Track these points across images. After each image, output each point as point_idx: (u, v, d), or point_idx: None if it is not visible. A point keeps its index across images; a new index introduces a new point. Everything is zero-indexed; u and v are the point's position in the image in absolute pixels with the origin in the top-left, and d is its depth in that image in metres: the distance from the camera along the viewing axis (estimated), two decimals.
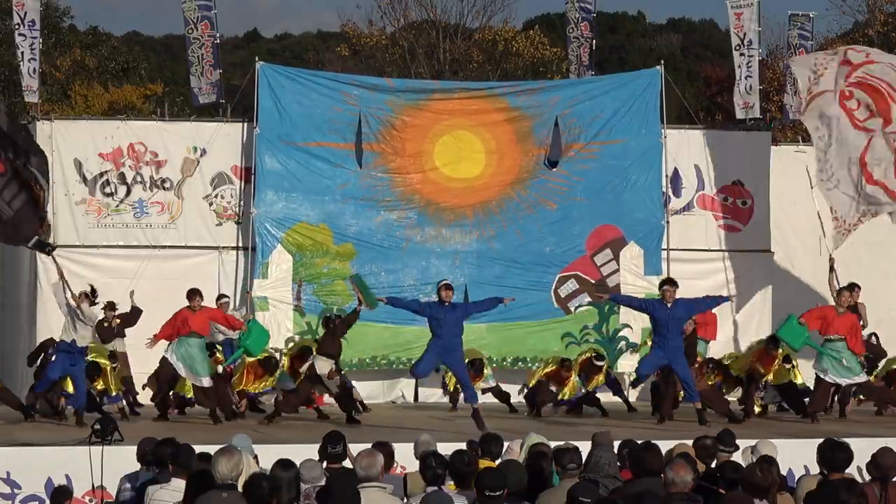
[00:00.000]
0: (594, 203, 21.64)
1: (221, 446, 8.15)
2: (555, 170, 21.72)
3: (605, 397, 19.49)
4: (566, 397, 18.86)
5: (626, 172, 21.71)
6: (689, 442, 10.37)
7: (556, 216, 21.59)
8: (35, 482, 13.24)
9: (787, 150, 22.77)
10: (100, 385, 17.73)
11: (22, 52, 20.66)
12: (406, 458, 11.34)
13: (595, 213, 21.64)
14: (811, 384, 18.26)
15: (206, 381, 17.40)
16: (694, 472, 8.22)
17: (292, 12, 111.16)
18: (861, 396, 19.34)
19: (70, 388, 17.00)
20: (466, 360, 17.71)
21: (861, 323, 18.49)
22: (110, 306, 18.87)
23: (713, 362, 18.68)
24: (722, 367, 18.57)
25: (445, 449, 9.42)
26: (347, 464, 9.73)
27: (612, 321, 21.37)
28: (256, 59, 21.60)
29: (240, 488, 7.72)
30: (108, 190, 20.84)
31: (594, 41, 23.60)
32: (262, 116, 21.00)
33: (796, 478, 10.44)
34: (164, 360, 17.52)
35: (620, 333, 21.33)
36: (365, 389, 20.02)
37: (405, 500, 9.08)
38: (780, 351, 18.17)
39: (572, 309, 21.44)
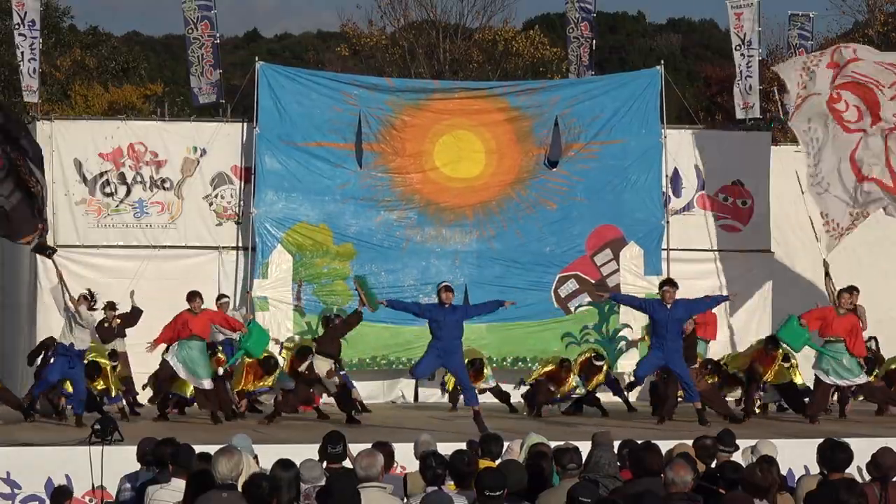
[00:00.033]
0: (594, 203, 21.64)
1: (221, 446, 8.16)
2: (555, 170, 21.72)
3: (606, 397, 19.49)
4: (562, 395, 18.87)
5: (626, 172, 21.71)
6: (689, 442, 10.37)
7: (556, 216, 21.59)
8: (35, 482, 13.25)
9: (786, 150, 22.74)
10: (100, 385, 17.73)
11: (22, 52, 20.66)
12: (406, 458, 11.34)
13: (595, 213, 21.64)
14: (811, 384, 18.26)
15: (208, 384, 17.42)
16: (694, 472, 8.22)
17: (292, 12, 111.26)
18: (861, 397, 19.32)
19: (71, 388, 17.01)
20: (466, 360, 17.72)
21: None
22: (110, 306, 18.89)
23: (711, 363, 18.67)
24: (720, 370, 18.54)
25: (445, 449, 9.42)
26: (347, 464, 9.73)
27: (612, 321, 21.37)
28: (256, 59, 21.60)
29: (240, 488, 7.72)
30: (108, 190, 20.84)
31: (594, 41, 23.62)
32: (262, 116, 21.00)
33: (796, 478, 10.44)
34: (164, 363, 17.54)
35: (620, 333, 21.33)
36: (365, 389, 20.01)
37: (405, 500, 9.08)
38: (780, 351, 18.17)
39: (572, 309, 21.44)
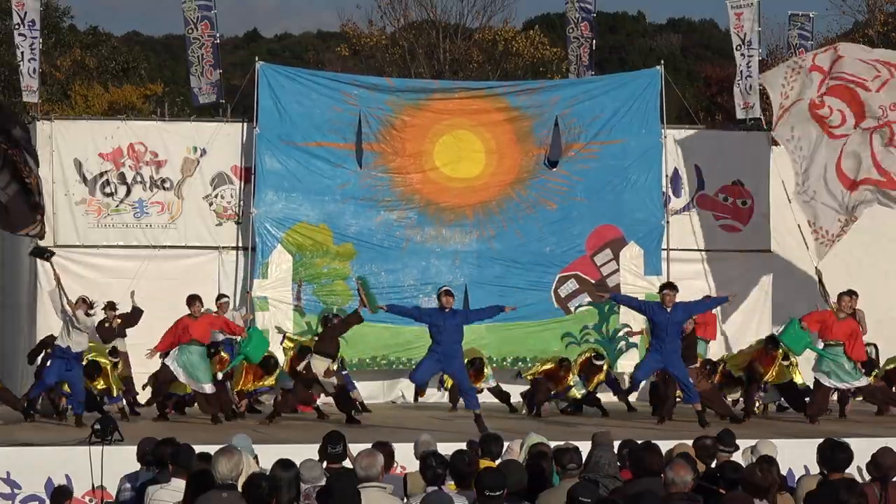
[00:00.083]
0: (594, 203, 21.63)
1: (221, 446, 8.16)
2: (555, 170, 21.71)
3: (606, 397, 19.49)
4: (559, 392, 18.90)
5: (626, 172, 21.70)
6: (689, 442, 10.37)
7: (556, 216, 21.58)
8: (35, 482, 13.26)
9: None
10: (100, 384, 17.74)
11: (22, 52, 20.64)
12: (406, 458, 11.35)
13: (595, 213, 21.63)
14: (811, 384, 18.26)
15: (209, 388, 17.44)
16: (694, 472, 8.22)
17: (292, 12, 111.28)
18: (861, 398, 19.30)
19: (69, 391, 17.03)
20: (466, 360, 17.72)
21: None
22: (110, 306, 18.89)
23: (710, 364, 18.66)
24: (719, 371, 18.53)
25: (445, 449, 9.43)
26: (347, 464, 9.73)
27: (612, 321, 21.36)
28: (256, 59, 21.59)
29: (240, 488, 7.72)
30: (108, 190, 20.83)
31: (594, 41, 23.62)
32: (262, 116, 21.00)
33: (796, 478, 10.45)
34: (164, 367, 17.54)
35: (620, 333, 21.33)
36: (365, 389, 20.00)
37: (405, 500, 9.08)
38: (780, 351, 18.17)
39: (572, 309, 21.44)
